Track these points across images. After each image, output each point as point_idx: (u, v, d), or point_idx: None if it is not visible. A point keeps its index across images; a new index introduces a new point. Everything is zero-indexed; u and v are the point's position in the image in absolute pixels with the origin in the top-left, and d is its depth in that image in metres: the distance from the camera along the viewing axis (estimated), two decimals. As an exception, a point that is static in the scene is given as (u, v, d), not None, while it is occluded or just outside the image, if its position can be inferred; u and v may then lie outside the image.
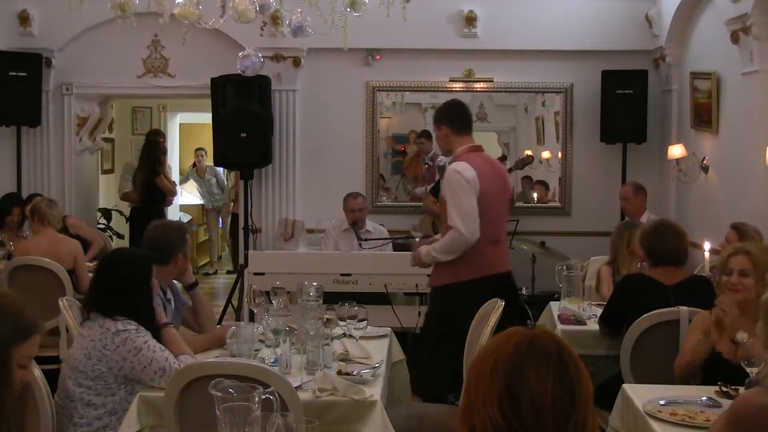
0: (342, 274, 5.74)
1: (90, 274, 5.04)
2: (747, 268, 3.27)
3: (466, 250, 4.16)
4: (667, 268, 3.92)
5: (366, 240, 6.16)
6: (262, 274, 5.66)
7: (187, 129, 12.00)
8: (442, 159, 5.69)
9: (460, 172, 4.21)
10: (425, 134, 7.40)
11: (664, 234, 3.94)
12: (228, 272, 10.75)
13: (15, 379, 2.04)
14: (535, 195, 7.72)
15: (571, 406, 1.54)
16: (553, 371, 1.55)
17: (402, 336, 4.85)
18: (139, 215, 7.56)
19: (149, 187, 7.75)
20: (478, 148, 4.43)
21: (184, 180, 11.62)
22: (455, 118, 4.43)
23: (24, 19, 7.02)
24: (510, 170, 6.83)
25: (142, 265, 3.26)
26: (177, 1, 4.34)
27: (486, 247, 4.24)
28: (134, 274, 3.21)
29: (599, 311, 4.51)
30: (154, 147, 7.88)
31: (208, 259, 11.51)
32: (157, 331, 3.20)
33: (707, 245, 4.63)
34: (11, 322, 2.06)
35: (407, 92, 7.46)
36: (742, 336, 3.14)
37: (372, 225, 6.51)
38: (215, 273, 11.02)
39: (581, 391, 1.56)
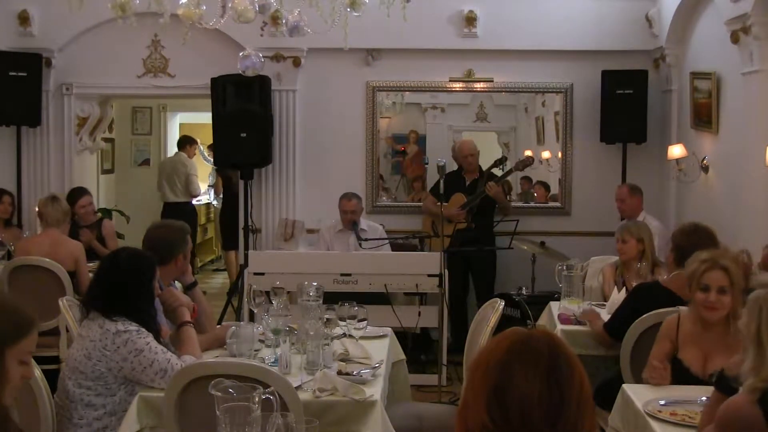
0: (342, 274, 5.73)
1: (90, 275, 5.04)
2: (725, 285, 3.07)
3: None
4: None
5: (365, 240, 6.16)
6: (262, 274, 5.65)
7: (187, 129, 12.00)
8: (441, 159, 5.71)
9: None
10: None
11: (701, 235, 3.87)
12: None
13: (12, 376, 2.08)
14: (535, 195, 7.72)
15: (560, 408, 1.50)
16: (541, 373, 1.51)
17: (402, 336, 4.85)
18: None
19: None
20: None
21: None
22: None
23: (24, 19, 7.00)
24: (510, 171, 6.88)
25: (146, 265, 3.26)
26: (180, 2, 4.33)
27: None
28: (138, 274, 3.20)
29: (600, 311, 4.52)
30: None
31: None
32: (158, 332, 3.20)
33: (707, 245, 4.61)
34: (5, 320, 2.10)
35: (407, 92, 7.44)
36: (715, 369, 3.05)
37: (367, 224, 6.50)
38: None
39: (573, 393, 1.52)
